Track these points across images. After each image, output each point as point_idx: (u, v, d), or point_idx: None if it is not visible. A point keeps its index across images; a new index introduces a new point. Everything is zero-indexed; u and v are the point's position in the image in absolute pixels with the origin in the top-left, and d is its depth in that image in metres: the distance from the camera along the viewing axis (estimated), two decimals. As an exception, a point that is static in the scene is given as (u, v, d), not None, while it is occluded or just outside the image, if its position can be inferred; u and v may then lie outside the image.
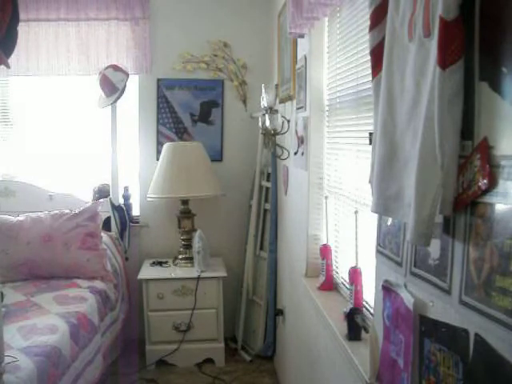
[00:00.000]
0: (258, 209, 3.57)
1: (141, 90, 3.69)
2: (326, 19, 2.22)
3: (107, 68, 3.42)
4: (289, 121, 2.75)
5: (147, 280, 3.31)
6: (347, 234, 2.01)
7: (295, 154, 2.61)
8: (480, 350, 0.85)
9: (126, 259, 3.60)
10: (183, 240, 3.54)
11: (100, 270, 3.15)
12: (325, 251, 2.16)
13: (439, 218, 0.98)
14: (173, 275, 3.34)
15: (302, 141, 2.46)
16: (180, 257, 3.54)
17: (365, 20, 1.63)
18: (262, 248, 3.57)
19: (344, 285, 2.05)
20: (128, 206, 3.69)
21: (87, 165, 3.78)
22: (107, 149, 3.56)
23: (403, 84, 1.07)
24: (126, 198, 3.72)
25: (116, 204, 3.56)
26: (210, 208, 3.75)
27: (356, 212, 1.79)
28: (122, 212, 3.57)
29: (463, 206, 0.90)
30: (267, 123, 2.74)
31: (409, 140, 1.04)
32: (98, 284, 3.06)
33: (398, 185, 1.09)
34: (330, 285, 2.16)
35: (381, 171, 1.15)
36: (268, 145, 2.93)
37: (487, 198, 0.84)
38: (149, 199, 3.49)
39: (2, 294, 2.08)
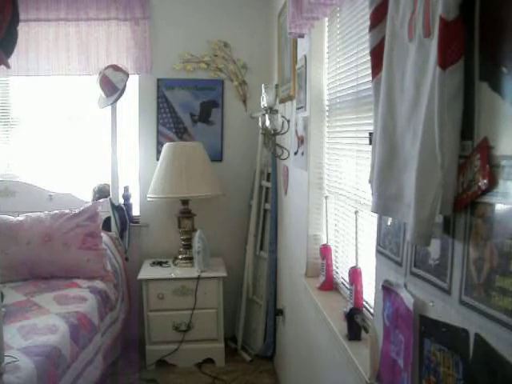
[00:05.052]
0: (257, 209, 3.57)
1: (141, 90, 3.69)
2: (326, 19, 2.22)
3: (107, 68, 3.42)
4: (289, 121, 2.75)
5: (147, 280, 3.31)
6: (347, 233, 2.02)
7: (295, 154, 2.61)
8: (480, 350, 0.85)
9: (126, 259, 3.60)
10: (183, 240, 3.54)
11: (100, 269, 3.15)
12: (325, 251, 2.16)
13: (439, 218, 0.98)
14: (173, 275, 3.34)
15: (302, 141, 2.46)
16: (180, 257, 3.54)
17: (365, 20, 1.63)
18: (262, 248, 3.57)
19: (344, 285, 2.05)
20: (128, 206, 3.69)
21: (87, 165, 3.78)
22: (107, 149, 3.57)
23: (403, 84, 1.07)
24: (126, 198, 3.72)
25: (116, 204, 3.56)
26: (210, 208, 3.75)
27: (356, 212, 1.79)
28: (122, 212, 3.57)
29: (463, 206, 0.90)
30: (267, 123, 2.74)
31: (409, 140, 1.04)
32: (98, 284, 3.06)
33: (398, 185, 1.09)
34: (330, 285, 2.16)
35: (381, 171, 1.15)
36: (268, 145, 2.93)
37: (487, 198, 0.84)
38: (149, 199, 3.49)
39: (1, 294, 2.09)
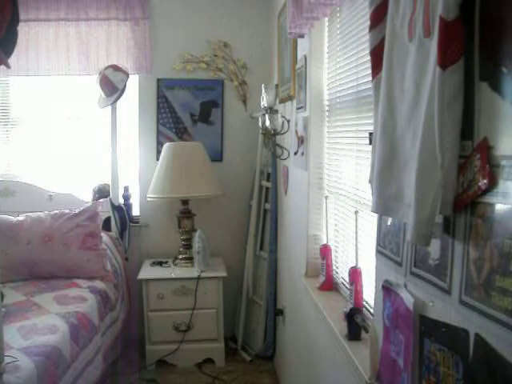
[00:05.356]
0: (257, 209, 3.57)
1: (141, 90, 3.69)
2: (326, 19, 2.22)
3: (107, 68, 3.42)
4: (289, 121, 2.75)
5: (147, 280, 3.31)
6: (347, 234, 2.02)
7: (295, 153, 2.61)
8: (480, 350, 0.85)
9: (126, 259, 3.60)
10: (183, 240, 3.54)
11: (100, 269, 3.15)
12: (325, 251, 2.16)
13: (439, 218, 0.98)
14: (173, 275, 3.34)
15: (301, 141, 2.46)
16: (180, 257, 3.53)
17: (365, 20, 1.63)
18: (262, 248, 3.57)
19: (344, 285, 2.05)
20: (128, 206, 3.69)
21: (87, 165, 3.78)
22: (107, 149, 3.57)
23: (403, 84, 1.07)
24: (126, 198, 3.72)
25: (116, 204, 3.56)
26: (210, 208, 3.75)
27: (356, 212, 1.79)
28: (121, 212, 3.57)
29: (463, 206, 0.90)
30: (267, 123, 2.74)
31: (409, 140, 1.04)
32: (98, 284, 3.06)
33: (398, 185, 1.09)
34: (330, 285, 2.16)
35: (381, 171, 1.15)
36: (268, 145, 2.93)
37: (487, 198, 0.84)
38: (149, 199, 3.49)
39: (1, 293, 2.09)
